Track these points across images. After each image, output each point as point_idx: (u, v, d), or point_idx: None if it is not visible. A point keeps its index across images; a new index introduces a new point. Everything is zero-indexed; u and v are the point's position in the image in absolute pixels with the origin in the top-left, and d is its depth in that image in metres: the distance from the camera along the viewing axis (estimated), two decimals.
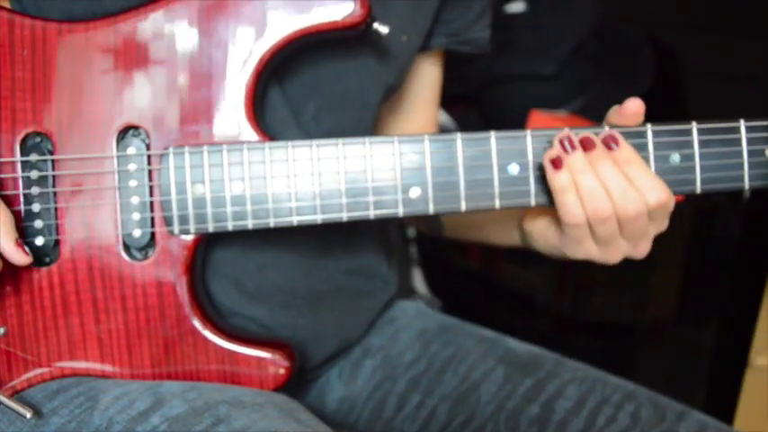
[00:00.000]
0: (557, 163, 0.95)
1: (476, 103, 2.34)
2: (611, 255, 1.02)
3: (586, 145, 0.96)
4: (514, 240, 1.17)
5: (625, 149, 0.96)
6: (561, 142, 0.96)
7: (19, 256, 0.93)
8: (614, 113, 1.00)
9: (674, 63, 2.28)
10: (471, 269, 2.46)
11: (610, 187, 0.95)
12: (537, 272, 2.32)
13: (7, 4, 0.99)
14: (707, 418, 1.10)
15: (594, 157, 0.95)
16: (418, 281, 2.38)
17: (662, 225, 1.01)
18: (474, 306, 2.45)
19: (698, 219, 2.13)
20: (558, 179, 0.95)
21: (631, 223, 0.97)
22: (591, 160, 0.95)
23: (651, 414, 1.10)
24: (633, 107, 0.98)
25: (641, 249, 1.02)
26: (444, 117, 2.26)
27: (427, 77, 1.31)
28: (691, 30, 2.27)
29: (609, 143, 0.96)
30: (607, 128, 0.98)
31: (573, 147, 0.95)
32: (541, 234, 1.07)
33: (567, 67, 2.26)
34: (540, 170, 0.98)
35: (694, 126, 0.98)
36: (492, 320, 1.34)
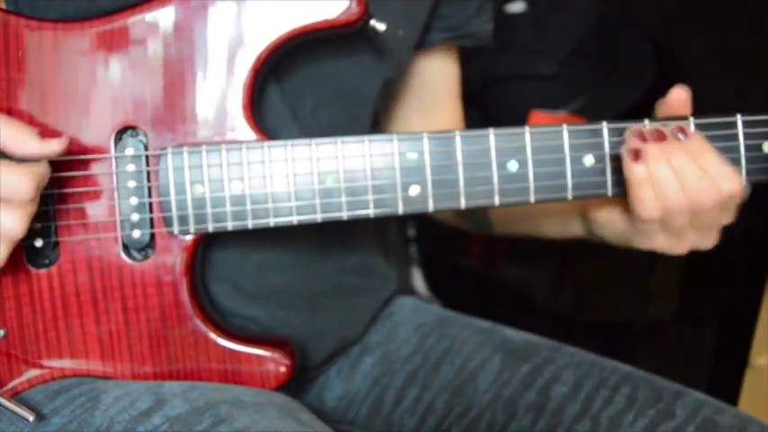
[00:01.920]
0: (637, 154, 0.96)
1: (476, 103, 2.34)
2: (680, 246, 1.02)
3: (657, 136, 0.96)
4: (575, 231, 1.17)
5: (695, 140, 0.97)
6: (639, 135, 0.96)
7: (52, 145, 0.90)
8: (660, 106, 1.01)
9: (674, 63, 2.28)
10: (471, 269, 2.46)
11: (685, 178, 0.95)
12: (537, 272, 2.32)
13: (2, 5, 0.99)
14: (704, 396, 1.10)
15: (668, 149, 0.96)
16: (418, 281, 2.38)
17: (729, 216, 1.02)
18: (474, 306, 2.44)
19: None
20: (637, 171, 0.96)
21: (704, 214, 0.98)
22: (665, 151, 0.96)
23: (648, 395, 1.10)
24: (676, 95, 0.99)
25: (709, 241, 1.03)
26: None
27: (443, 75, 1.32)
28: (691, 30, 2.27)
29: (677, 134, 0.97)
30: (605, 123, 0.98)
31: (644, 139, 0.96)
32: (609, 223, 1.07)
33: (567, 67, 2.26)
34: (539, 167, 0.98)
35: (692, 121, 0.99)
36: (492, 320, 1.34)
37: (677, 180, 0.96)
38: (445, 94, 1.33)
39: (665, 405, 1.08)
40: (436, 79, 1.31)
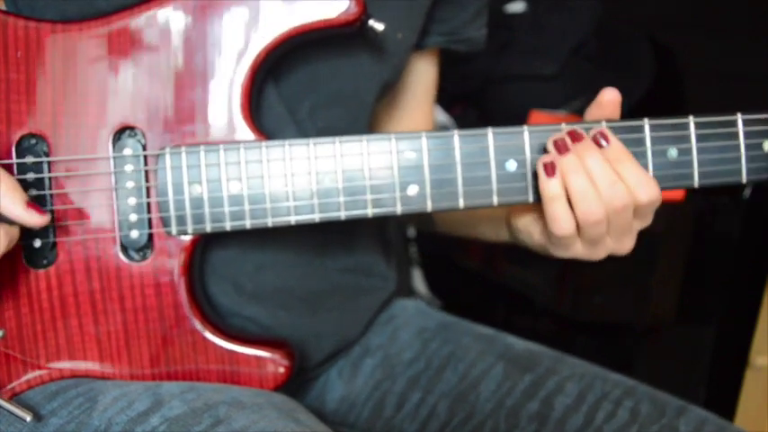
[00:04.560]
0: (549, 169, 0.94)
1: (476, 103, 2.34)
2: (597, 253, 1.01)
3: (574, 137, 0.95)
4: (504, 236, 1.16)
5: (614, 146, 0.95)
6: (556, 144, 0.95)
7: (33, 217, 0.91)
8: (593, 107, 1.00)
9: (674, 63, 2.28)
10: (471, 269, 2.45)
11: (597, 181, 0.94)
12: (537, 272, 2.31)
13: (2, 6, 0.99)
14: (706, 413, 1.10)
15: (582, 150, 0.94)
16: (418, 281, 2.38)
17: (647, 221, 1.01)
18: (474, 306, 2.44)
19: (698, 219, 2.12)
20: (550, 187, 0.94)
21: (618, 217, 0.96)
22: (579, 154, 0.94)
23: (651, 410, 1.10)
24: (608, 95, 0.98)
25: (626, 246, 1.02)
26: (445, 118, 2.26)
27: (424, 76, 1.31)
28: (691, 30, 2.27)
29: (598, 140, 0.95)
30: (604, 123, 0.97)
31: (567, 149, 0.95)
32: (527, 231, 1.06)
33: (567, 67, 2.26)
34: None
35: (691, 120, 0.98)
36: (492, 320, 1.34)
37: (592, 187, 0.94)
38: (421, 96, 1.33)
39: (669, 421, 1.08)
40: (417, 81, 1.31)
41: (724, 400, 2.18)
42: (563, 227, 0.96)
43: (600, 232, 0.97)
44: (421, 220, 1.35)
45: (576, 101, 2.22)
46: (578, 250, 1.01)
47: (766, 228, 2.12)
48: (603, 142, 0.95)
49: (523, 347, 1.24)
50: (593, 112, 1.00)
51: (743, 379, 2.15)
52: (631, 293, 2.25)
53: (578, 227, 0.96)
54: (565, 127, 0.97)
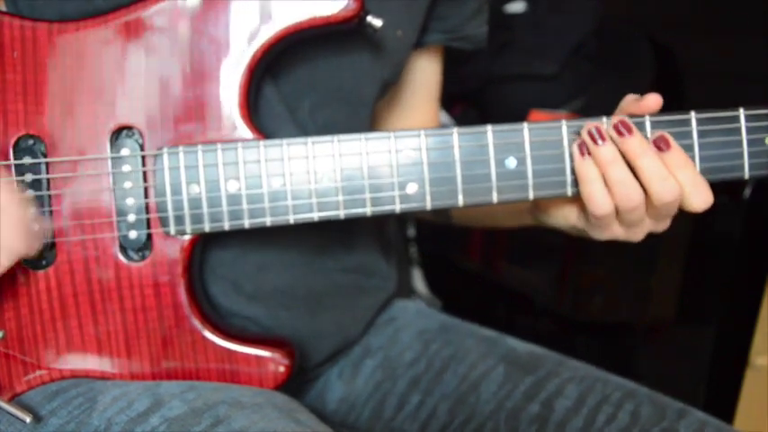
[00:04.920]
0: (583, 150, 0.95)
1: (476, 104, 2.34)
2: (636, 234, 1.02)
3: (622, 130, 0.95)
4: (525, 222, 1.17)
5: (675, 152, 0.96)
6: (590, 134, 0.95)
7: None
8: (632, 103, 0.99)
9: (674, 63, 2.28)
10: (471, 269, 2.45)
11: (651, 179, 0.94)
12: (537, 272, 2.31)
13: (2, 6, 0.99)
14: (707, 416, 1.09)
15: (636, 148, 0.95)
16: (418, 281, 2.38)
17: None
18: (474, 306, 2.44)
19: (698, 218, 2.12)
20: (584, 168, 0.95)
21: (664, 208, 0.97)
22: (631, 152, 0.95)
23: (651, 412, 1.09)
24: (652, 102, 0.98)
25: (663, 226, 1.02)
26: (445, 118, 2.26)
27: (426, 74, 1.31)
28: (691, 30, 2.27)
29: (659, 145, 0.96)
30: (605, 119, 0.97)
31: (603, 138, 0.95)
32: (562, 215, 1.06)
33: (567, 67, 2.26)
34: (538, 163, 0.97)
35: (693, 116, 0.98)
36: (492, 321, 1.34)
37: (633, 178, 0.95)
38: (423, 94, 1.33)
39: (669, 423, 1.07)
40: (420, 80, 1.31)
41: (724, 400, 2.18)
42: (601, 207, 0.96)
43: (639, 217, 0.98)
44: (436, 214, 1.35)
45: (576, 101, 2.22)
46: (617, 232, 1.01)
47: (766, 228, 2.12)
48: (664, 147, 0.96)
49: (525, 350, 1.24)
50: (631, 108, 1.00)
51: (743, 379, 2.15)
52: (631, 293, 2.25)
53: (617, 212, 0.97)
54: (605, 121, 0.97)
